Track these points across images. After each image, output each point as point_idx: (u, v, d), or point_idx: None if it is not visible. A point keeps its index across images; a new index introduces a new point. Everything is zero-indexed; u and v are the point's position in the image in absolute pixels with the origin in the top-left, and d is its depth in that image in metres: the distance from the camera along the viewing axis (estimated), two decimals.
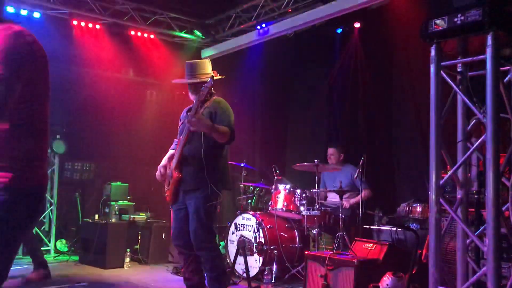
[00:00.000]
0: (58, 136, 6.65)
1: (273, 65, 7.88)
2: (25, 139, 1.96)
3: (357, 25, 6.92)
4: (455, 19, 2.79)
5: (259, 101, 8.28)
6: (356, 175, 5.72)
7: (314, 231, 5.36)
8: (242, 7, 7.33)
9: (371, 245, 4.54)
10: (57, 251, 6.84)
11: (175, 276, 5.67)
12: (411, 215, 4.90)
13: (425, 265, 3.22)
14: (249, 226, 5.52)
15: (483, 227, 2.84)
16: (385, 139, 6.63)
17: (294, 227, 5.66)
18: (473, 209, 3.13)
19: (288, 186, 5.63)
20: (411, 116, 6.23)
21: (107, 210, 6.60)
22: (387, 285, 3.92)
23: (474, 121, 3.08)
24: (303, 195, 5.56)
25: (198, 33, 7.98)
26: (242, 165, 6.10)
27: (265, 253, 5.21)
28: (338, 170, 6.04)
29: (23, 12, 6.65)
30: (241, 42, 7.59)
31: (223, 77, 3.98)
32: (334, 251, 4.74)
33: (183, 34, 7.93)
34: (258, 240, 5.30)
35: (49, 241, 6.81)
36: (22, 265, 5.74)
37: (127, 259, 6.09)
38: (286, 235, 5.53)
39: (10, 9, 6.58)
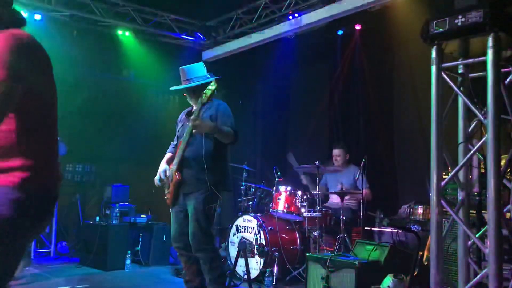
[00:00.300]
0: (58, 138, 6.65)
1: (274, 66, 7.88)
2: (35, 140, 1.98)
3: (358, 26, 6.93)
4: (456, 21, 2.79)
5: (260, 102, 8.28)
6: (357, 176, 5.73)
7: (315, 233, 5.36)
8: (243, 9, 7.34)
9: (372, 246, 4.53)
10: (57, 252, 6.84)
11: (176, 278, 5.66)
12: (412, 217, 4.89)
13: (427, 267, 3.22)
14: (250, 228, 5.51)
15: (485, 228, 2.83)
16: (387, 141, 6.63)
17: (295, 228, 5.66)
18: (474, 211, 3.12)
19: (289, 188, 5.63)
20: (413, 117, 6.23)
21: (108, 212, 6.60)
22: (389, 287, 3.91)
23: (475, 122, 3.08)
24: (304, 196, 5.56)
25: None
26: (243, 166, 6.11)
27: (266, 255, 5.21)
28: (341, 172, 6.05)
29: (24, 14, 6.66)
30: (242, 44, 7.60)
31: (219, 77, 4.00)
32: (335, 253, 4.73)
33: (184, 36, 7.94)
34: (259, 242, 5.30)
35: (50, 243, 6.81)
36: None
37: (128, 261, 6.09)
38: (287, 237, 5.52)
39: None
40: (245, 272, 4.99)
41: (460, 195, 3.08)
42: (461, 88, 3.01)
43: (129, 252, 6.16)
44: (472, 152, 2.94)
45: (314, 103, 7.57)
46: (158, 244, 6.56)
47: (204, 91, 3.72)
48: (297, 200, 5.56)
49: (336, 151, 6.23)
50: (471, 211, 3.13)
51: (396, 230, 4.87)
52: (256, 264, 5.27)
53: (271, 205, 5.69)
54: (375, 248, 4.48)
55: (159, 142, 6.19)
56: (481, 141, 2.82)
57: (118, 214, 6.51)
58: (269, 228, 5.39)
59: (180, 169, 3.93)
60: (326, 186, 6.29)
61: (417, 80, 5.93)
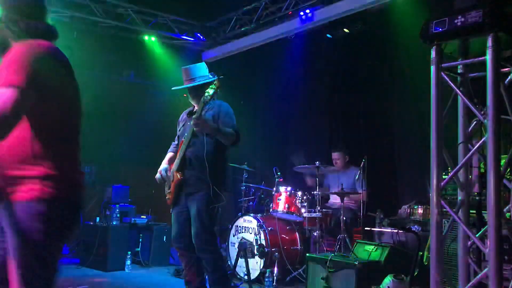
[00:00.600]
0: None
1: (274, 66, 7.88)
2: (56, 148, 2.00)
3: (357, 26, 6.92)
4: (455, 21, 2.79)
5: (260, 102, 8.28)
6: (357, 177, 5.73)
7: (315, 233, 5.36)
8: (243, 9, 7.34)
9: (373, 247, 4.53)
10: None
11: (176, 278, 5.66)
12: (412, 217, 4.89)
13: (427, 267, 3.21)
14: (250, 229, 5.51)
15: (485, 228, 2.83)
16: (386, 141, 6.62)
17: (295, 229, 5.66)
18: (474, 211, 3.12)
19: (289, 188, 5.63)
20: (412, 117, 6.22)
21: (108, 213, 6.59)
22: (388, 287, 3.91)
23: (474, 122, 3.07)
24: (304, 197, 5.56)
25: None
26: (243, 167, 6.10)
27: (266, 256, 5.21)
28: (341, 172, 6.05)
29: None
30: (242, 44, 7.60)
31: (221, 77, 3.99)
32: (336, 253, 4.73)
33: (184, 37, 7.94)
34: (259, 243, 5.29)
35: None
36: None
37: (128, 262, 6.08)
38: (287, 237, 5.52)
39: None
40: (246, 272, 4.99)
41: (460, 195, 3.08)
42: (460, 88, 3.01)
43: (129, 252, 6.15)
44: (471, 152, 2.93)
45: (314, 103, 7.56)
46: (158, 244, 6.56)
47: (207, 91, 3.71)
48: (297, 201, 5.56)
49: (335, 155, 6.23)
50: (471, 211, 3.13)
51: (396, 230, 4.87)
52: (256, 265, 5.27)
53: (271, 205, 5.69)
54: (375, 248, 4.48)
55: (159, 142, 6.19)
56: (481, 141, 2.82)
57: (118, 215, 6.50)
58: (269, 228, 5.39)
59: (181, 169, 3.92)
60: (328, 186, 6.29)
61: (417, 80, 5.93)
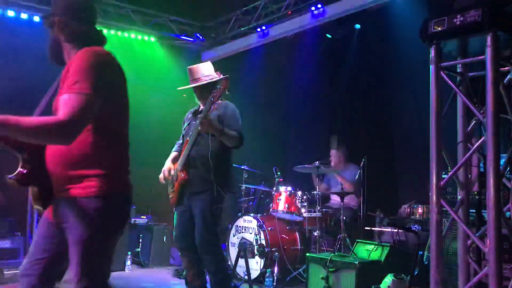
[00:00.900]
0: None
1: (273, 66, 7.88)
2: (108, 150, 2.14)
3: (357, 26, 6.93)
4: (455, 20, 2.79)
5: (260, 103, 8.28)
6: (356, 176, 5.73)
7: (315, 233, 5.35)
8: (242, 9, 7.34)
9: (373, 246, 4.53)
10: None
11: (176, 279, 5.66)
12: (412, 217, 4.89)
13: (427, 267, 3.22)
14: (250, 229, 5.51)
15: (484, 227, 2.83)
16: (386, 140, 6.63)
17: (295, 229, 5.65)
18: (474, 210, 3.12)
19: (289, 188, 5.63)
20: (412, 117, 6.23)
21: None
22: (389, 287, 3.91)
23: (474, 121, 3.07)
24: (304, 197, 5.56)
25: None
26: (243, 167, 6.10)
27: (266, 256, 5.21)
28: (341, 170, 6.04)
29: (23, 16, 6.67)
30: (242, 45, 7.60)
31: (226, 76, 3.94)
32: (336, 253, 4.73)
33: (183, 37, 7.94)
34: (259, 243, 5.29)
35: None
36: None
37: (128, 262, 6.08)
38: (287, 237, 5.52)
39: (10, 13, 6.60)
40: (246, 272, 4.99)
41: (460, 194, 3.08)
42: (460, 87, 3.01)
43: (129, 253, 6.15)
44: (471, 151, 2.93)
45: (314, 103, 7.56)
46: (158, 245, 6.56)
47: (214, 90, 3.67)
48: (297, 200, 5.56)
49: (332, 152, 6.24)
50: (470, 211, 3.13)
51: (396, 230, 4.87)
52: (256, 265, 5.27)
53: (271, 205, 5.68)
54: (375, 248, 4.48)
55: (159, 143, 6.20)
56: (480, 140, 2.82)
57: None
58: (269, 228, 5.38)
59: (185, 168, 3.89)
60: (329, 186, 6.29)
61: (416, 79, 5.93)
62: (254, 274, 5.23)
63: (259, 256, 5.26)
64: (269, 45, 7.45)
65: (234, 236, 5.66)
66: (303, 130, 7.68)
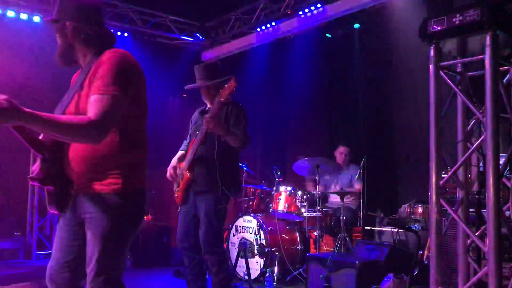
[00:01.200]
0: None
1: (273, 66, 7.88)
2: (131, 149, 2.23)
3: (356, 25, 6.93)
4: (454, 19, 2.79)
5: (259, 103, 8.28)
6: (356, 176, 5.73)
7: (315, 233, 5.35)
8: (242, 9, 7.34)
9: (373, 246, 4.53)
10: None
11: (176, 279, 5.66)
12: (412, 216, 4.89)
13: (427, 266, 3.22)
14: (250, 228, 5.51)
15: (484, 227, 2.83)
16: (386, 140, 6.63)
17: (295, 229, 5.65)
18: (474, 209, 3.12)
19: (289, 188, 5.63)
20: (412, 116, 6.23)
21: None
22: (389, 286, 3.91)
23: (473, 121, 3.07)
24: (304, 196, 5.56)
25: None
26: (243, 167, 6.10)
27: (266, 255, 5.20)
28: (343, 170, 6.05)
29: (23, 16, 6.66)
30: (241, 45, 7.60)
31: (232, 76, 3.90)
32: (336, 252, 4.73)
33: (183, 37, 7.94)
34: (259, 242, 5.29)
35: (51, 245, 6.80)
36: None
37: (129, 263, 6.08)
38: (287, 237, 5.52)
39: (10, 13, 6.60)
40: (246, 272, 4.99)
41: (460, 194, 3.08)
42: (459, 87, 3.01)
43: (129, 253, 6.15)
44: (470, 150, 2.93)
45: (314, 102, 7.57)
46: (159, 245, 6.56)
47: (221, 90, 3.61)
48: (297, 200, 5.56)
49: (342, 149, 6.23)
50: (470, 210, 3.13)
51: (396, 230, 4.87)
52: (256, 265, 5.27)
53: (271, 205, 5.68)
54: (375, 248, 4.48)
55: (159, 143, 6.20)
56: (480, 140, 2.82)
57: None
58: (269, 228, 5.38)
59: (192, 167, 3.86)
60: (326, 185, 6.28)
61: (416, 79, 5.93)
62: (254, 274, 5.23)
63: (259, 256, 5.26)
64: (269, 45, 7.45)
65: (234, 236, 5.66)
66: (303, 130, 7.68)
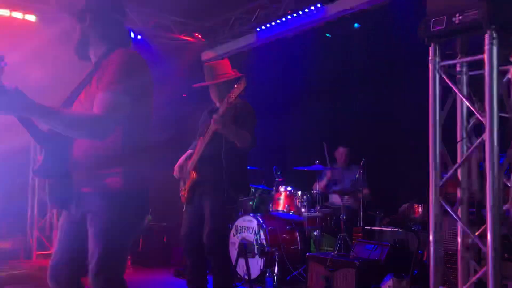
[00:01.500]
0: None
1: (273, 66, 7.87)
2: (136, 147, 2.24)
3: (356, 25, 6.93)
4: (454, 19, 2.79)
5: (259, 102, 8.27)
6: (357, 175, 5.72)
7: (315, 233, 5.35)
8: (242, 9, 7.34)
9: (373, 246, 4.53)
10: None
11: (176, 279, 5.66)
12: (412, 216, 4.88)
13: (426, 266, 3.22)
14: (250, 228, 5.51)
15: (484, 227, 2.83)
16: (386, 140, 6.62)
17: (296, 228, 5.65)
18: (473, 209, 3.12)
19: (289, 188, 5.63)
20: (412, 116, 6.21)
21: None
22: (389, 286, 3.91)
23: (473, 120, 3.07)
24: (304, 196, 5.56)
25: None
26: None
27: (266, 255, 5.20)
28: (344, 170, 6.05)
29: (17, 15, 6.57)
30: (241, 44, 7.60)
31: (243, 75, 3.86)
32: (336, 252, 4.73)
33: (183, 37, 7.94)
34: (259, 242, 5.29)
35: (51, 245, 6.81)
36: None
37: (129, 262, 6.08)
38: (287, 237, 5.52)
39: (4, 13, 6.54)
40: (246, 272, 4.99)
41: (459, 194, 3.08)
42: (459, 87, 3.01)
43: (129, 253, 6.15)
44: (470, 150, 2.94)
45: (314, 102, 7.56)
46: (159, 245, 6.56)
47: (232, 90, 3.55)
48: (297, 200, 5.56)
49: (342, 150, 6.23)
50: (470, 210, 3.13)
51: (396, 229, 4.87)
52: (256, 264, 5.27)
53: (271, 205, 5.68)
54: (375, 247, 4.48)
55: (160, 143, 6.22)
56: (480, 139, 2.82)
57: None
58: (269, 228, 5.38)
59: (198, 167, 3.85)
60: (326, 185, 6.28)
61: (416, 79, 5.92)
62: (255, 273, 5.22)
63: (259, 256, 5.26)
64: (269, 45, 7.44)
65: (234, 236, 5.66)
66: (303, 130, 7.68)
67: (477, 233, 2.93)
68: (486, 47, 2.68)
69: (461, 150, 3.09)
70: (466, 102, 2.92)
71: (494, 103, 2.66)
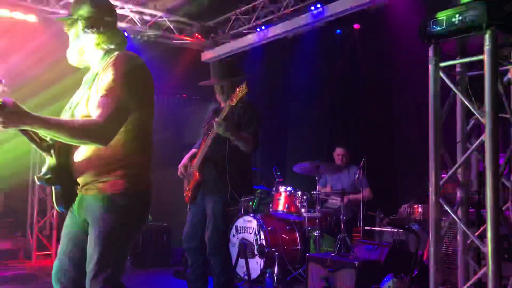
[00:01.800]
0: None
1: (273, 66, 7.87)
2: (137, 150, 2.25)
3: (356, 26, 6.93)
4: (453, 19, 2.79)
5: (259, 103, 8.28)
6: (357, 176, 5.72)
7: (315, 233, 5.35)
8: (242, 9, 7.34)
9: (372, 246, 4.53)
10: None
11: (176, 279, 5.66)
12: (412, 216, 4.88)
13: (427, 266, 3.21)
14: (250, 229, 5.51)
15: (483, 227, 2.83)
16: (386, 140, 6.62)
17: (295, 229, 5.65)
18: (473, 210, 3.12)
19: (289, 188, 5.62)
20: (412, 116, 6.22)
21: None
22: (389, 286, 3.91)
23: (473, 121, 3.07)
24: (304, 197, 5.56)
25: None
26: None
27: (266, 256, 5.20)
28: (343, 170, 6.04)
29: (17, 15, 6.57)
30: (241, 45, 7.60)
31: (246, 78, 3.84)
32: (335, 252, 4.73)
33: (182, 37, 7.94)
34: (259, 243, 5.29)
35: (51, 245, 6.80)
36: None
37: (128, 263, 6.08)
38: (287, 237, 5.52)
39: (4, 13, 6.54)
40: (246, 272, 4.99)
41: (459, 194, 3.08)
42: (459, 87, 3.00)
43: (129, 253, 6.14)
44: (470, 150, 2.93)
45: (313, 102, 7.56)
46: (159, 245, 6.55)
47: (234, 94, 3.56)
48: (297, 200, 5.56)
49: (339, 150, 6.22)
50: (470, 210, 3.13)
51: (396, 230, 4.87)
52: (256, 265, 5.27)
53: (271, 205, 5.68)
54: (375, 248, 4.48)
55: (160, 143, 6.23)
56: (479, 140, 2.82)
57: None
58: (269, 228, 5.38)
59: (201, 168, 3.84)
60: (326, 186, 6.28)
61: (415, 79, 5.92)
62: (254, 274, 5.23)
63: (259, 256, 5.25)
64: (269, 45, 7.45)
65: (234, 236, 5.66)
66: (303, 130, 7.68)
67: (476, 234, 2.93)
68: (486, 48, 2.68)
69: (461, 151, 3.09)
70: (466, 103, 2.92)
71: (494, 103, 2.66)
